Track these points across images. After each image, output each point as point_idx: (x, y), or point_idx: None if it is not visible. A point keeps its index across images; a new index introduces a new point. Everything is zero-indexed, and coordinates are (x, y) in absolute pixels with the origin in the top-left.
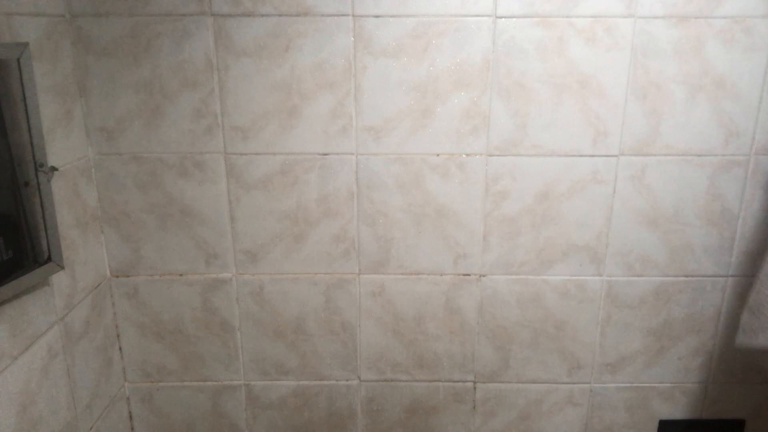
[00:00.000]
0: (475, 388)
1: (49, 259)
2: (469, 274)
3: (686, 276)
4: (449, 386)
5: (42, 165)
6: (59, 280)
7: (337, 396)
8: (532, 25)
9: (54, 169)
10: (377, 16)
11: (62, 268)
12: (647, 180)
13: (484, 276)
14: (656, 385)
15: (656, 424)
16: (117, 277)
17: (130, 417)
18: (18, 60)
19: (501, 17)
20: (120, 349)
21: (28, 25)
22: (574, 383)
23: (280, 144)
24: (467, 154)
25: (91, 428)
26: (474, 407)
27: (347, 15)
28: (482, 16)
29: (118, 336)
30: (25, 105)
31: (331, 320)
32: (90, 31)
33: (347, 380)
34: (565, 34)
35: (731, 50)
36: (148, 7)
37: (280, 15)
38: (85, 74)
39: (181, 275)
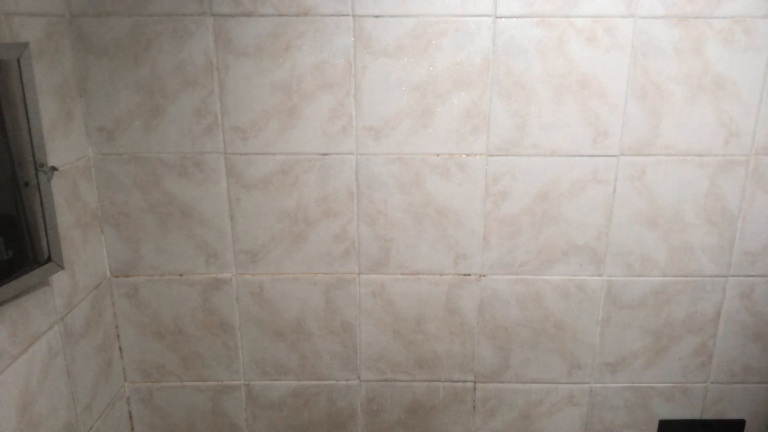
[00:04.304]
0: (475, 388)
1: (49, 259)
2: (469, 274)
3: (686, 276)
4: (449, 386)
5: (42, 165)
6: (59, 280)
7: (337, 396)
8: (532, 25)
9: (54, 169)
10: (377, 16)
11: (62, 268)
12: (647, 180)
13: (484, 276)
14: (656, 385)
15: (656, 424)
16: (117, 277)
17: (130, 417)
18: (18, 60)
19: (501, 17)
20: (120, 349)
21: (28, 25)
22: (574, 383)
23: (280, 144)
24: (467, 154)
25: (91, 428)
26: (474, 407)
27: (347, 15)
28: (482, 16)
29: (118, 336)
30: (25, 105)
31: (331, 320)
32: (90, 31)
33: (347, 380)
34: (565, 34)
35: (731, 50)
36: (148, 7)
37: (280, 15)
38: (85, 74)
39: (181, 275)
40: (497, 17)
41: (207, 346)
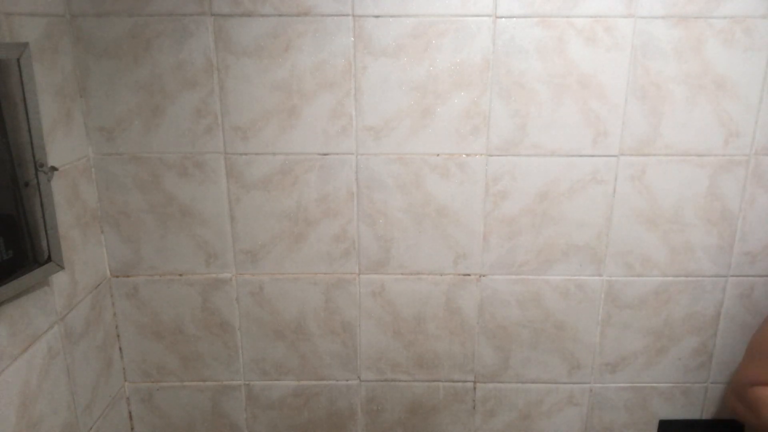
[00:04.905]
0: (475, 388)
1: (49, 259)
2: (469, 274)
3: (686, 276)
4: (449, 386)
5: (42, 165)
6: (59, 280)
7: (337, 396)
8: (532, 25)
9: (54, 169)
10: (377, 16)
11: (62, 268)
12: (647, 180)
13: (484, 276)
14: (656, 385)
15: (656, 424)
16: (117, 277)
17: (130, 417)
18: (18, 60)
19: (501, 17)
20: (120, 349)
21: (28, 25)
22: (574, 383)
23: (280, 144)
24: (467, 154)
25: (91, 428)
26: (474, 407)
27: (347, 15)
28: (482, 16)
29: (118, 336)
30: (25, 105)
31: (331, 320)
32: (90, 31)
33: (347, 380)
34: (565, 34)
35: (731, 50)
36: (148, 7)
37: (280, 15)
38: (85, 74)
39: (181, 275)
40: (497, 17)
41: (207, 346)
